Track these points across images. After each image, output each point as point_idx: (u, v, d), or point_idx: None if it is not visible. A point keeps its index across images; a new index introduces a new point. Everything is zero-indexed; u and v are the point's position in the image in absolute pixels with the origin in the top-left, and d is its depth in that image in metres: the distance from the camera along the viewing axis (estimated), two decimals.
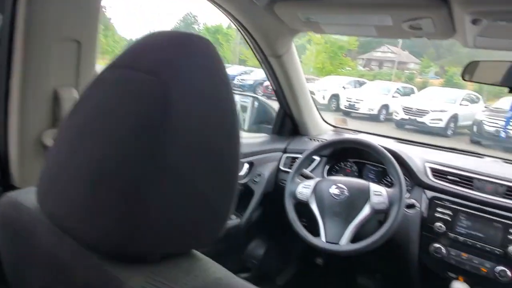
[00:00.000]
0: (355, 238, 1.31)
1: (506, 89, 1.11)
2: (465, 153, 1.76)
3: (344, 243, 1.30)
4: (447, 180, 1.43)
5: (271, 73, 1.59)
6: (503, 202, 1.29)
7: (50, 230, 0.43)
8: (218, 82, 0.41)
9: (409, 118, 10.45)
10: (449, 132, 10.23)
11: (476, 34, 0.91)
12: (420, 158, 1.55)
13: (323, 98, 12.67)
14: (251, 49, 1.47)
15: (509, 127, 8.98)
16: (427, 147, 1.82)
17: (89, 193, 0.37)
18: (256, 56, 1.51)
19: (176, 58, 0.38)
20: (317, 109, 1.95)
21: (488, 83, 1.18)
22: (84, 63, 0.77)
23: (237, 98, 2.08)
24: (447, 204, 1.38)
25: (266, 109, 2.00)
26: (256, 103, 1.97)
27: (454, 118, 10.29)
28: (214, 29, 25.31)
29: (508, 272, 1.22)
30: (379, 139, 1.92)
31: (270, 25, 1.27)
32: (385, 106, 11.86)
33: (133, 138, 0.36)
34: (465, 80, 1.18)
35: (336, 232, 1.33)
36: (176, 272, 0.39)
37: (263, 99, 2.09)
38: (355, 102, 11.96)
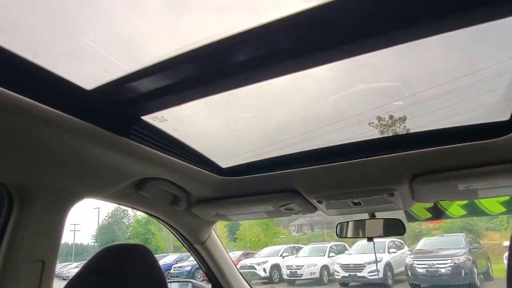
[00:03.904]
0: None
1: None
2: None
3: None
4: None
5: (199, 258, 1.87)
6: None
7: None
8: (155, 277, 0.70)
9: (349, 274, 10.70)
10: (389, 281, 10.53)
11: (325, 208, 1.40)
12: None
13: (264, 271, 12.57)
14: (178, 239, 1.78)
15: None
16: None
17: None
18: (183, 245, 1.81)
19: (126, 264, 0.68)
20: (248, 283, 2.17)
21: (355, 237, 1.63)
22: (45, 279, 0.99)
23: (175, 286, 2.24)
24: None
25: None
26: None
27: (389, 266, 10.82)
28: (145, 220, 25.39)
29: None
30: None
31: (190, 220, 1.64)
32: (325, 267, 12.10)
33: None
34: (340, 237, 1.61)
35: None
36: None
37: (199, 282, 2.27)
38: (296, 269, 12.05)
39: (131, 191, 1.24)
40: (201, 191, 1.41)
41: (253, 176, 1.32)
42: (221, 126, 1.56)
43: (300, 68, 0.80)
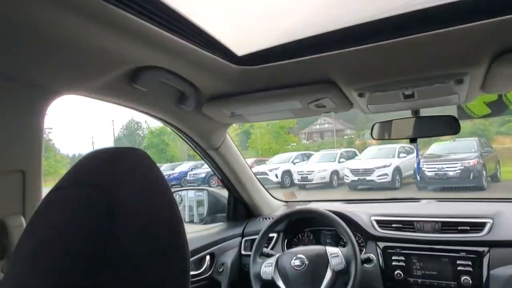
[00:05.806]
0: None
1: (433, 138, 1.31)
2: (403, 200, 1.93)
3: None
4: (392, 228, 1.55)
5: (214, 165, 1.70)
6: (442, 237, 1.42)
7: None
8: (155, 186, 0.49)
9: (359, 178, 11.03)
10: (397, 184, 10.87)
11: (366, 103, 1.14)
12: (366, 213, 1.67)
13: (276, 176, 13.06)
14: (190, 146, 1.60)
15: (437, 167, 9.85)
16: (370, 202, 1.97)
17: None
18: (196, 152, 1.63)
19: (116, 172, 0.46)
20: (266, 188, 2.06)
21: (397, 138, 1.40)
22: (29, 191, 0.82)
23: (191, 193, 2.15)
24: (399, 250, 1.48)
25: (218, 199, 2.07)
26: (206, 195, 2.03)
27: (398, 170, 11.05)
28: (159, 131, 25.99)
29: None
30: (328, 204, 2.05)
31: (202, 123, 1.42)
32: (335, 172, 12.50)
33: (88, 245, 0.41)
34: (376, 139, 1.38)
35: None
36: None
37: (214, 189, 2.16)
38: (307, 174, 12.47)
39: (124, 85, 0.98)
40: (213, 86, 1.15)
41: (276, 64, 1.03)
42: None
43: None
